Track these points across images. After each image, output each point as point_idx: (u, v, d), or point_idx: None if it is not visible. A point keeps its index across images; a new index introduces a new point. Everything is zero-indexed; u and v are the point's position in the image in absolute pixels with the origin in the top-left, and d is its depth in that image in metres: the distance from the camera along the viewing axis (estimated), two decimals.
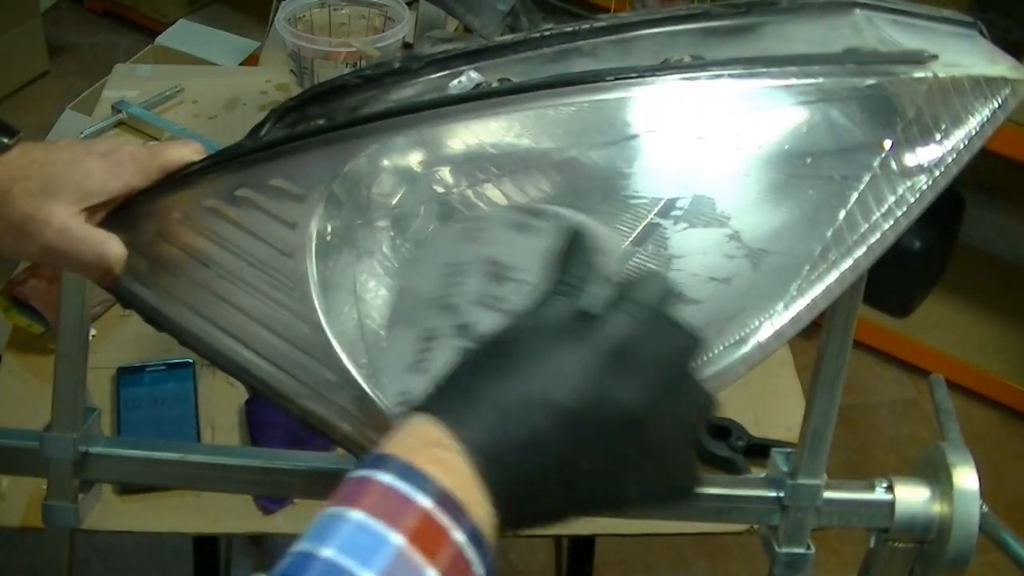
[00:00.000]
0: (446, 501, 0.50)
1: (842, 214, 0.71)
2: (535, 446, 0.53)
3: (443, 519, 0.50)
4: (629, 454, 0.55)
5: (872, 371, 2.49)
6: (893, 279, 2.37)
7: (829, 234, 0.70)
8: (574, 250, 0.60)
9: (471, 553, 0.51)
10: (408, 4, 1.65)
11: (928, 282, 2.54)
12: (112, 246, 0.70)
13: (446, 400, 0.55)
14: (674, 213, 0.70)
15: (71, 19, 3.57)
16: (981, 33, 0.80)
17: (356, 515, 0.49)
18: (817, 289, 0.70)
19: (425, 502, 0.50)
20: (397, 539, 0.49)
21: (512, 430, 0.53)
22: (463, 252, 0.62)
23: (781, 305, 0.69)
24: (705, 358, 0.66)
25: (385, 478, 0.50)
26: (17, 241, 0.70)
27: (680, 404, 0.57)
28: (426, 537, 0.49)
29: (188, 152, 0.74)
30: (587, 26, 0.79)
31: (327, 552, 0.49)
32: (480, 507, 0.52)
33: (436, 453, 0.52)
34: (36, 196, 0.69)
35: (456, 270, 0.63)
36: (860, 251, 0.71)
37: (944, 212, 2.45)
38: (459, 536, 0.50)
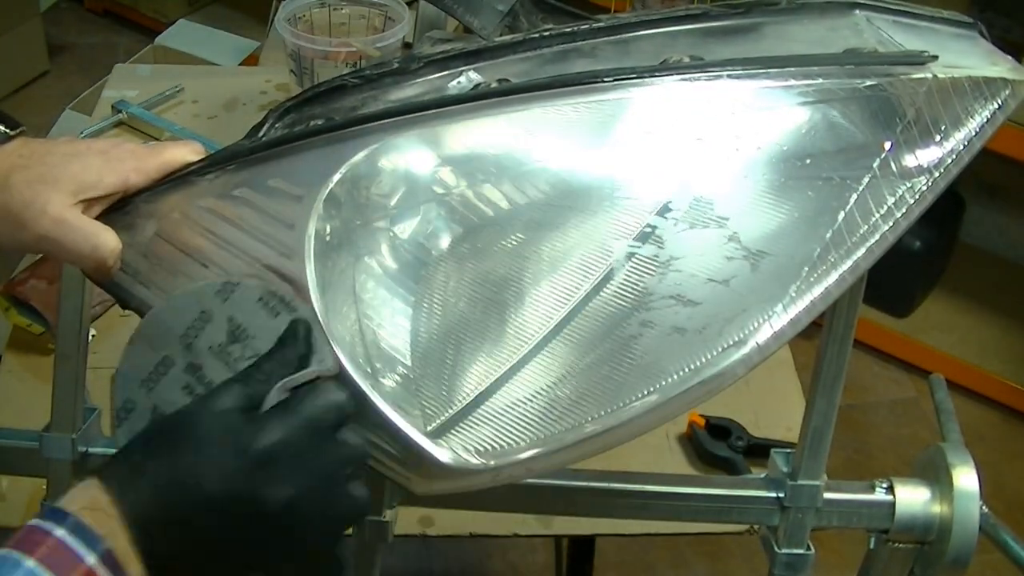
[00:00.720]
0: (109, 560, 0.57)
1: (841, 215, 0.71)
2: (183, 527, 0.60)
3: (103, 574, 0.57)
4: (273, 546, 0.62)
5: (872, 371, 2.49)
6: (893, 279, 2.37)
7: (828, 235, 0.70)
8: (288, 342, 0.66)
9: None
10: (408, 4, 1.65)
11: (928, 282, 2.54)
12: (107, 238, 0.71)
13: (116, 470, 0.61)
14: (673, 214, 0.70)
15: (71, 19, 3.56)
16: (981, 34, 0.80)
17: (29, 563, 0.56)
18: (816, 291, 0.69)
19: (91, 559, 0.57)
20: None
21: (164, 508, 0.59)
22: (214, 304, 0.68)
23: (780, 307, 0.68)
24: (706, 358, 0.67)
25: (59, 532, 0.57)
26: (13, 229, 0.70)
27: (328, 506, 0.63)
28: None
29: (187, 152, 0.74)
30: (586, 26, 0.79)
31: None
32: (136, 568, 0.59)
33: (100, 517, 0.58)
34: (34, 185, 0.69)
35: (207, 316, 0.68)
36: (859, 252, 0.70)
37: (944, 212, 2.45)
38: None
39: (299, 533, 0.62)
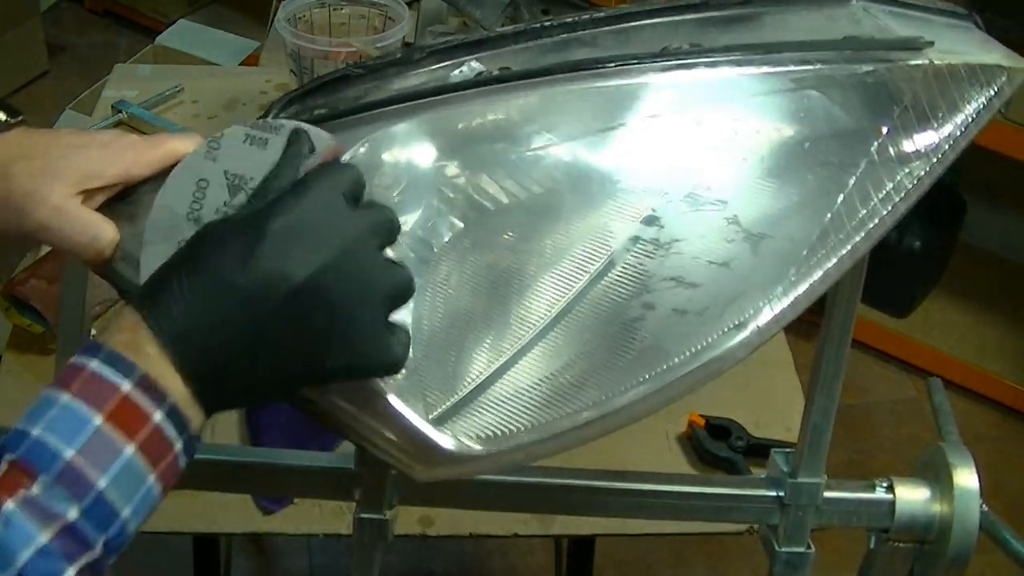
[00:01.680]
0: (146, 384, 0.57)
1: (840, 199, 0.71)
2: (221, 327, 0.58)
3: (142, 401, 0.57)
4: (311, 325, 0.60)
5: (872, 371, 2.49)
6: (893, 279, 2.37)
7: (827, 219, 0.70)
8: (292, 146, 0.64)
9: (170, 431, 0.57)
10: (408, 4, 1.65)
11: (928, 282, 2.54)
12: (106, 229, 0.71)
13: (148, 290, 0.61)
14: (673, 197, 0.70)
15: (71, 19, 3.57)
16: (976, 25, 0.80)
17: (64, 398, 0.56)
18: (816, 273, 0.70)
19: (126, 386, 0.56)
20: (97, 419, 0.55)
21: (198, 314, 0.58)
22: (205, 167, 0.66)
23: (780, 289, 0.69)
24: (707, 340, 0.67)
25: (93, 364, 0.57)
26: (14, 218, 0.71)
27: (362, 277, 0.61)
28: (125, 418, 0.56)
29: (188, 143, 0.74)
30: (587, 16, 0.79)
31: (36, 431, 0.55)
32: (178, 388, 0.58)
33: (132, 339, 0.58)
34: (36, 176, 0.70)
35: (204, 183, 0.66)
36: (859, 236, 0.71)
37: (944, 212, 2.45)
38: (158, 416, 0.57)
39: (338, 311, 0.60)
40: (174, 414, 0.57)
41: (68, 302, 0.89)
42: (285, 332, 0.59)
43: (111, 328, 0.59)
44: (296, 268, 0.59)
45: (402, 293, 0.63)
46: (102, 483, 0.55)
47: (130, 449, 0.56)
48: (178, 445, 0.58)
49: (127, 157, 0.73)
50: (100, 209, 0.72)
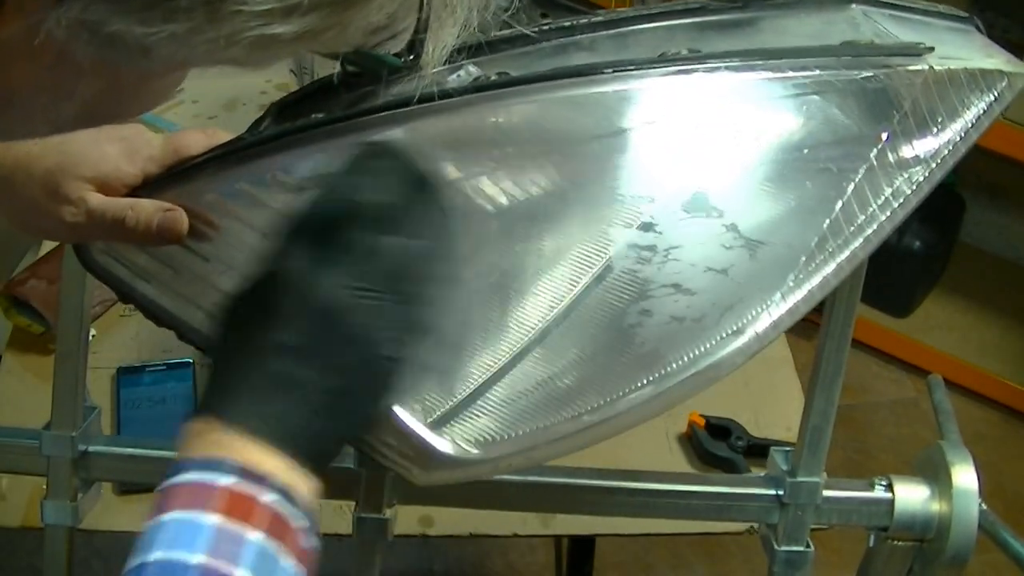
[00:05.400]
0: (245, 473, 0.55)
1: (839, 205, 0.71)
2: (287, 396, 0.58)
3: (248, 489, 0.55)
4: (378, 339, 0.60)
5: (872, 371, 2.49)
6: (893, 279, 2.37)
7: (826, 225, 0.71)
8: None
9: (287, 509, 0.55)
10: None
11: (928, 282, 2.54)
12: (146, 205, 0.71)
13: (212, 394, 0.60)
14: (671, 204, 0.70)
15: None
16: (977, 28, 0.80)
17: (169, 515, 0.54)
18: (814, 280, 0.70)
19: (226, 480, 0.55)
20: (212, 519, 0.53)
21: (265, 393, 0.58)
22: None
23: (778, 296, 0.69)
24: (705, 347, 0.67)
25: (187, 476, 0.55)
26: (36, 218, 0.71)
27: (366, 273, 0.60)
28: (238, 508, 0.54)
29: (203, 140, 0.74)
30: (585, 21, 0.79)
31: (155, 555, 0.53)
32: (279, 467, 0.57)
33: (214, 439, 0.57)
34: (53, 174, 0.70)
35: None
36: (857, 242, 0.71)
37: (944, 212, 2.45)
38: (268, 497, 0.55)
39: (371, 318, 0.60)
40: (286, 493, 0.56)
41: (68, 302, 0.89)
42: (340, 370, 0.59)
43: (184, 444, 0.58)
44: (332, 295, 0.59)
45: (413, 330, 0.62)
46: (240, 574, 0.53)
47: (256, 536, 0.54)
48: (299, 521, 0.56)
49: (143, 156, 0.73)
50: None
